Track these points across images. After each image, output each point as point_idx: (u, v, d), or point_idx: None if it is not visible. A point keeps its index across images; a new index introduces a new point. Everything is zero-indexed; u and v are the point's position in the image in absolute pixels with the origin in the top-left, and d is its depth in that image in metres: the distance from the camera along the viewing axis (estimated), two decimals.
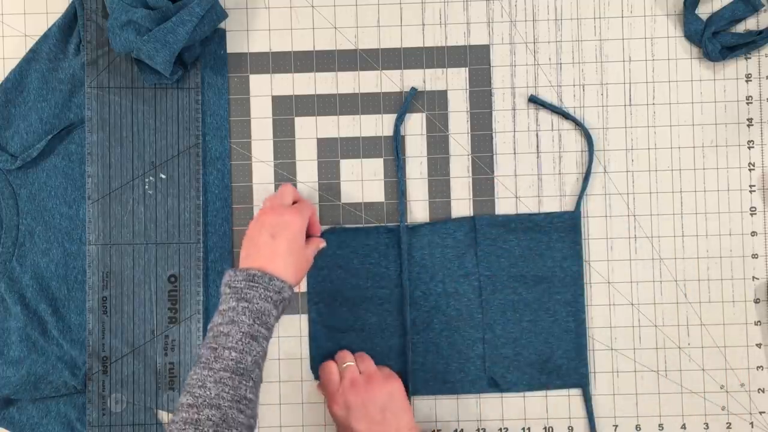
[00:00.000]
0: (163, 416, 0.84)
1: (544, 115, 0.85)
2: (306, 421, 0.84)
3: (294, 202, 0.79)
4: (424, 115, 0.85)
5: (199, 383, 0.67)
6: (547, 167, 0.85)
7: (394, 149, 0.85)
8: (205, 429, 0.65)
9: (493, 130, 0.85)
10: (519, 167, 0.85)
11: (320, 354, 0.84)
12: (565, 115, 0.85)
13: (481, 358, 0.84)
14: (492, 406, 0.84)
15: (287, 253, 0.73)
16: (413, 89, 0.84)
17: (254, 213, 0.85)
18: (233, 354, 0.68)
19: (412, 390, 0.83)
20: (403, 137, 0.85)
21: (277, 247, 0.73)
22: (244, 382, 0.68)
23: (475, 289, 0.84)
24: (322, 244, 0.81)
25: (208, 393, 0.66)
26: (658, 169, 0.85)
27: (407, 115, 0.85)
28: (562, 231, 0.84)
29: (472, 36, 0.85)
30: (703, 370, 0.85)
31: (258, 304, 0.70)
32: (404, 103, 0.84)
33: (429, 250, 0.84)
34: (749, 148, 0.85)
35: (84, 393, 0.83)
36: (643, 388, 0.84)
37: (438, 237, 0.84)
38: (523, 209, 0.85)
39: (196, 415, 0.65)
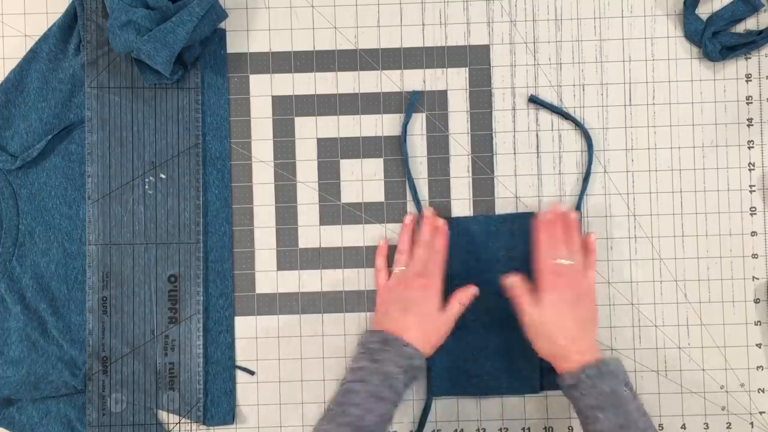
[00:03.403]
0: (163, 416, 0.84)
1: (544, 115, 0.85)
2: (306, 420, 0.84)
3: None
4: (424, 115, 0.85)
5: None
6: (547, 167, 0.85)
7: (403, 152, 0.85)
8: None
9: (493, 130, 0.85)
10: (519, 167, 0.85)
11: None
12: (565, 115, 0.85)
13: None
14: (492, 406, 0.84)
15: (418, 326, 0.77)
16: (416, 93, 0.84)
17: (254, 213, 0.85)
18: (357, 411, 0.72)
19: (434, 391, 0.84)
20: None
21: (407, 321, 0.77)
22: None
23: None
24: (465, 299, 0.79)
25: None
26: (658, 169, 0.85)
27: None
28: None
29: (472, 36, 0.85)
30: (703, 370, 0.85)
31: (388, 366, 0.73)
32: (408, 108, 0.84)
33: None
34: (749, 148, 0.85)
35: (84, 393, 0.83)
36: (643, 388, 0.84)
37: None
38: (523, 209, 0.85)
39: None
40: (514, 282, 0.78)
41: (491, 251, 0.84)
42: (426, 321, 0.77)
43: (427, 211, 0.82)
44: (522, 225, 0.83)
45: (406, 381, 0.75)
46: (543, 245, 0.78)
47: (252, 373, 0.85)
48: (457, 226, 0.84)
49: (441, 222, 0.81)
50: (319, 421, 0.73)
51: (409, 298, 0.78)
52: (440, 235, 0.81)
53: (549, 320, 0.75)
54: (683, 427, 0.84)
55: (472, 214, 0.85)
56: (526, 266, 0.83)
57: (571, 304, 0.76)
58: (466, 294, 0.80)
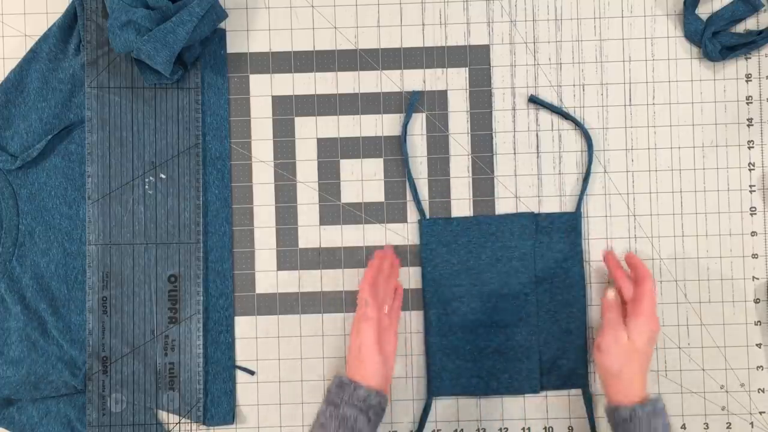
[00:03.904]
0: (163, 416, 0.84)
1: (544, 115, 0.85)
2: (306, 421, 0.84)
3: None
4: (424, 115, 0.85)
5: None
6: (547, 167, 0.85)
7: (403, 152, 0.85)
8: None
9: (493, 130, 0.85)
10: (519, 167, 0.85)
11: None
12: (565, 115, 0.85)
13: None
14: (492, 406, 0.84)
15: (365, 362, 0.76)
16: (416, 93, 0.84)
17: (254, 213, 0.85)
18: None
19: (434, 391, 0.84)
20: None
21: (358, 357, 0.76)
22: None
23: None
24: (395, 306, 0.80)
25: None
26: (658, 169, 0.85)
27: None
28: (563, 232, 0.84)
29: (472, 36, 0.85)
30: (703, 370, 0.85)
31: (344, 409, 0.74)
32: (408, 108, 0.84)
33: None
34: (749, 148, 0.85)
35: (84, 393, 0.83)
36: None
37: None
38: (523, 209, 0.85)
39: None
40: (613, 298, 0.78)
41: (491, 251, 0.84)
42: (369, 356, 0.76)
43: (388, 247, 0.83)
44: (522, 225, 0.83)
45: (370, 419, 0.74)
46: (647, 272, 0.77)
47: (252, 373, 0.85)
48: (457, 226, 0.84)
49: (393, 256, 0.82)
50: None
51: (357, 332, 0.77)
52: (390, 264, 0.81)
53: (641, 347, 0.75)
54: (683, 427, 0.84)
55: (472, 214, 0.85)
56: (526, 267, 0.83)
57: (656, 337, 0.76)
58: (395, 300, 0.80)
